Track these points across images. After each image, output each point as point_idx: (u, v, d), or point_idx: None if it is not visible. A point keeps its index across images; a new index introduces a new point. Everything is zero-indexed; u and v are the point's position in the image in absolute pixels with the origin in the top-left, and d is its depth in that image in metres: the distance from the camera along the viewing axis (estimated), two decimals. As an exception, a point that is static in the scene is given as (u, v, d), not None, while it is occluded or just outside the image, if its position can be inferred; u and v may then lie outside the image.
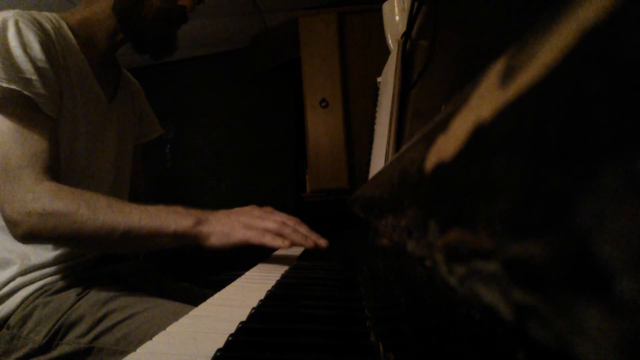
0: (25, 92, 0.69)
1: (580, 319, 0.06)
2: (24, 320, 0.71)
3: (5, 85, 0.67)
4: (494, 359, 0.11)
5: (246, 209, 0.78)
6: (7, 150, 0.68)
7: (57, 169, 0.73)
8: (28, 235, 0.67)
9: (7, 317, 0.73)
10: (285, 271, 0.71)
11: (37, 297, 0.73)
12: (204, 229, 0.71)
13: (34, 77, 0.71)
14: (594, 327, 0.06)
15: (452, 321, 0.14)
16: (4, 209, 0.68)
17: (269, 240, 0.72)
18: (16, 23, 0.71)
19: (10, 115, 0.69)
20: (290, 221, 0.77)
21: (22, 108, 0.70)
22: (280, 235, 0.73)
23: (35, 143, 0.70)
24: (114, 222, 0.67)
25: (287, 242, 0.72)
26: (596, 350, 0.06)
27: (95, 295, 0.73)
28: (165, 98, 3.03)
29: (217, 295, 0.56)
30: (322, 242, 0.77)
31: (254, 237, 0.72)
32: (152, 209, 0.70)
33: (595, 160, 0.06)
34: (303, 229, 0.77)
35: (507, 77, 0.09)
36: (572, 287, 0.06)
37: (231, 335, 0.37)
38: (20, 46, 0.70)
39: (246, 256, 0.86)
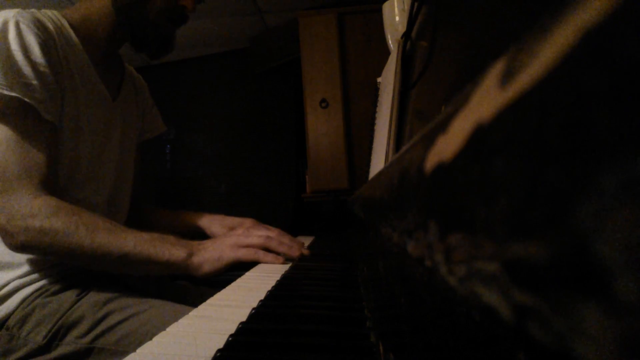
0: (26, 99, 0.69)
1: (580, 319, 0.06)
2: (23, 320, 0.71)
3: (6, 92, 0.67)
4: (494, 359, 0.11)
5: (235, 230, 0.84)
6: (5, 161, 0.68)
7: (54, 182, 0.74)
8: (22, 248, 0.69)
9: (7, 318, 0.73)
10: (285, 271, 0.71)
11: (36, 298, 0.73)
12: (195, 260, 0.74)
13: (35, 81, 0.70)
14: (594, 327, 0.06)
15: (452, 321, 0.14)
16: None
17: (261, 257, 0.76)
18: (17, 25, 0.71)
19: (10, 124, 0.69)
20: (273, 233, 0.81)
21: (23, 116, 0.70)
22: (268, 249, 0.78)
23: (34, 155, 0.70)
24: (110, 245, 0.70)
25: (280, 259, 0.77)
26: (596, 350, 0.06)
27: (95, 296, 0.72)
28: (165, 98, 3.02)
29: (217, 296, 0.56)
30: (305, 252, 0.83)
31: (244, 255, 0.75)
32: (147, 237, 0.73)
33: (594, 161, 0.06)
34: (286, 239, 0.82)
35: (507, 77, 0.09)
36: (572, 288, 0.06)
37: (231, 335, 0.37)
38: (21, 50, 0.70)
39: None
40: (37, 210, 0.68)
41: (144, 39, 0.88)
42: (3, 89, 0.67)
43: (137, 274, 0.76)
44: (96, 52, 0.86)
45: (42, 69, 0.72)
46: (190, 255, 0.74)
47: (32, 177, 0.69)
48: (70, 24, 0.82)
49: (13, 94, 0.68)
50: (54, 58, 0.75)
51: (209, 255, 0.74)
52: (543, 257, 0.07)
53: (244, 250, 0.75)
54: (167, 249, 0.72)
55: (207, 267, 0.74)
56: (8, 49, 0.69)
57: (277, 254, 0.79)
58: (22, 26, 0.71)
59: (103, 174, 0.87)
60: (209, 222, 1.00)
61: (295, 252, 0.80)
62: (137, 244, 0.71)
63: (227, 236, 0.80)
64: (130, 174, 0.98)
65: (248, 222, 0.97)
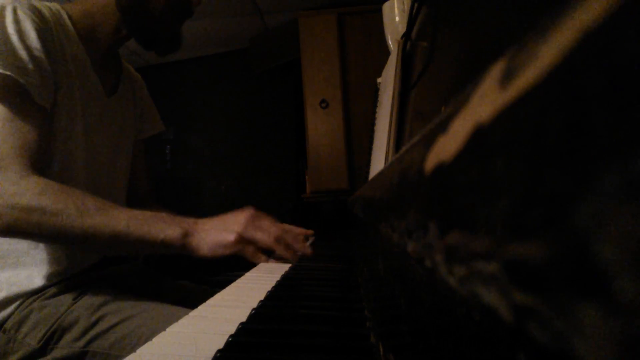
0: (20, 80, 0.68)
1: (580, 319, 0.06)
2: (20, 323, 0.71)
3: (0, 71, 0.67)
4: (494, 359, 0.11)
5: (240, 215, 0.76)
6: None
7: (43, 164, 0.72)
8: (7, 229, 0.65)
9: (4, 321, 0.72)
10: (286, 271, 0.71)
11: (33, 301, 0.73)
12: (193, 241, 0.70)
13: (30, 65, 0.70)
14: (594, 327, 0.06)
15: (452, 322, 0.14)
16: None
17: (264, 261, 0.76)
18: (14, 10, 0.71)
19: (3, 103, 0.69)
20: (282, 232, 0.78)
21: (16, 97, 0.69)
22: (274, 250, 0.76)
23: (25, 135, 0.69)
24: (101, 225, 0.66)
25: (280, 263, 0.78)
26: (596, 350, 0.06)
27: (89, 299, 0.72)
28: (165, 99, 3.02)
29: (217, 296, 0.56)
30: (308, 251, 0.82)
31: (246, 253, 0.73)
32: (140, 215, 0.70)
33: (594, 162, 0.06)
34: (290, 237, 0.79)
35: (507, 78, 0.09)
36: (572, 288, 0.06)
37: (231, 336, 0.37)
38: (17, 34, 0.70)
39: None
40: (24, 189, 0.65)
41: (152, 37, 0.87)
42: None
43: (130, 254, 0.72)
44: (94, 48, 0.85)
45: (37, 54, 0.71)
46: (185, 235, 0.70)
47: (22, 157, 0.67)
48: (69, 17, 0.81)
49: (7, 72, 0.67)
50: (50, 46, 0.74)
51: (210, 238, 0.71)
52: (543, 257, 0.07)
53: (249, 249, 0.73)
54: (161, 228, 0.69)
55: (205, 250, 0.70)
56: (4, 31, 0.69)
57: (277, 256, 0.79)
58: (19, 12, 0.71)
59: (96, 170, 0.86)
60: None
61: (295, 259, 0.79)
62: (130, 223, 0.68)
63: (235, 221, 0.74)
64: (124, 172, 0.97)
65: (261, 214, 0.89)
